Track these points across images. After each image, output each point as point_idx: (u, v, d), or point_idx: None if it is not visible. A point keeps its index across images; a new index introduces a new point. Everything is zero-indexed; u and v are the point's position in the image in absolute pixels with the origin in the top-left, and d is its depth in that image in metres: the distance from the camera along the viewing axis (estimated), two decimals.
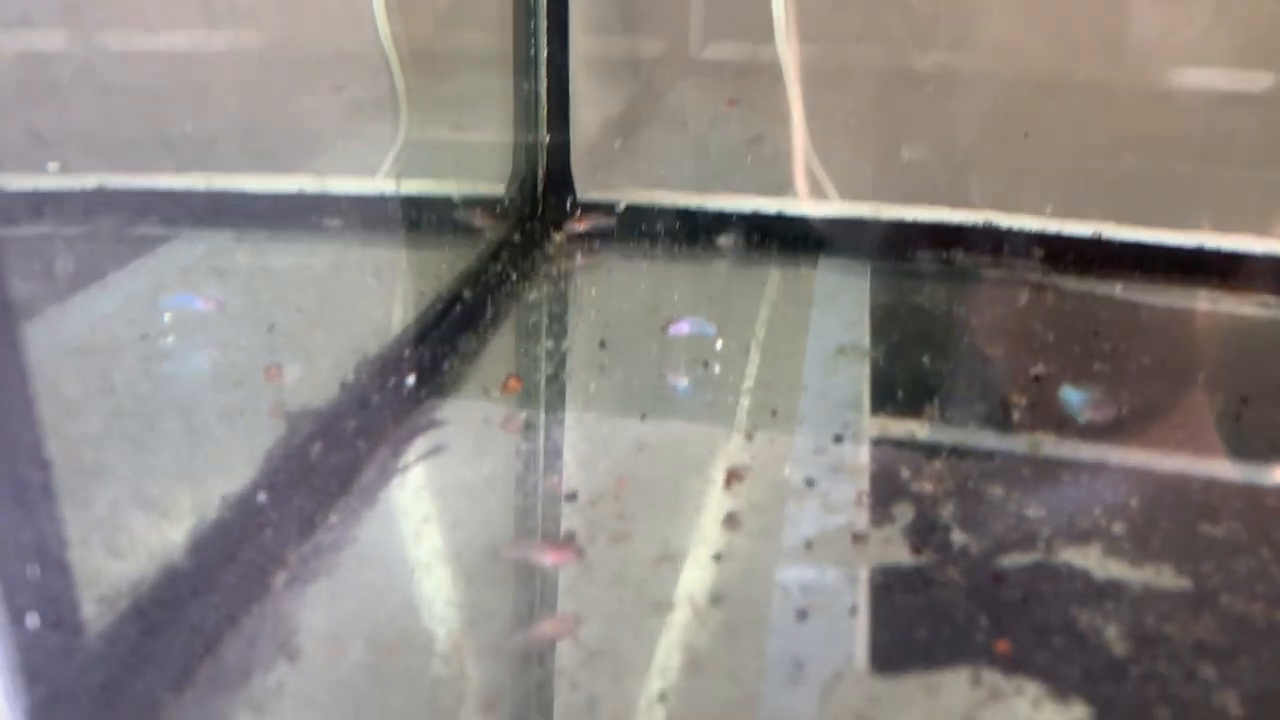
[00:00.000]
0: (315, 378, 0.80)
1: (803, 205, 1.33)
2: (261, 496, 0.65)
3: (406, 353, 0.85)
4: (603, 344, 1.00)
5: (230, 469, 0.68)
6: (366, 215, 1.16)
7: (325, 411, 0.74)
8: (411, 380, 0.83)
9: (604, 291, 1.13)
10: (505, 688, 0.59)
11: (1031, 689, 0.61)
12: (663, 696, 0.59)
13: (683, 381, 0.94)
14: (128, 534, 0.63)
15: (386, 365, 0.82)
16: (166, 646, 0.58)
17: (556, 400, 0.90)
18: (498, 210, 1.20)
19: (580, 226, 1.25)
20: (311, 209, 1.17)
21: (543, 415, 0.87)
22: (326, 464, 0.71)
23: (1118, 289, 1.21)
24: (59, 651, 0.50)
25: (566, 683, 0.60)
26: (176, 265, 1.07)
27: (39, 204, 1.15)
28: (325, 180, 1.19)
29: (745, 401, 0.91)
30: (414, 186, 1.20)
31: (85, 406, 0.75)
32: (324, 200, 1.18)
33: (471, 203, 1.19)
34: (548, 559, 0.70)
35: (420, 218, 1.15)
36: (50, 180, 1.14)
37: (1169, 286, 1.23)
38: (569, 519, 0.74)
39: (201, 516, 0.63)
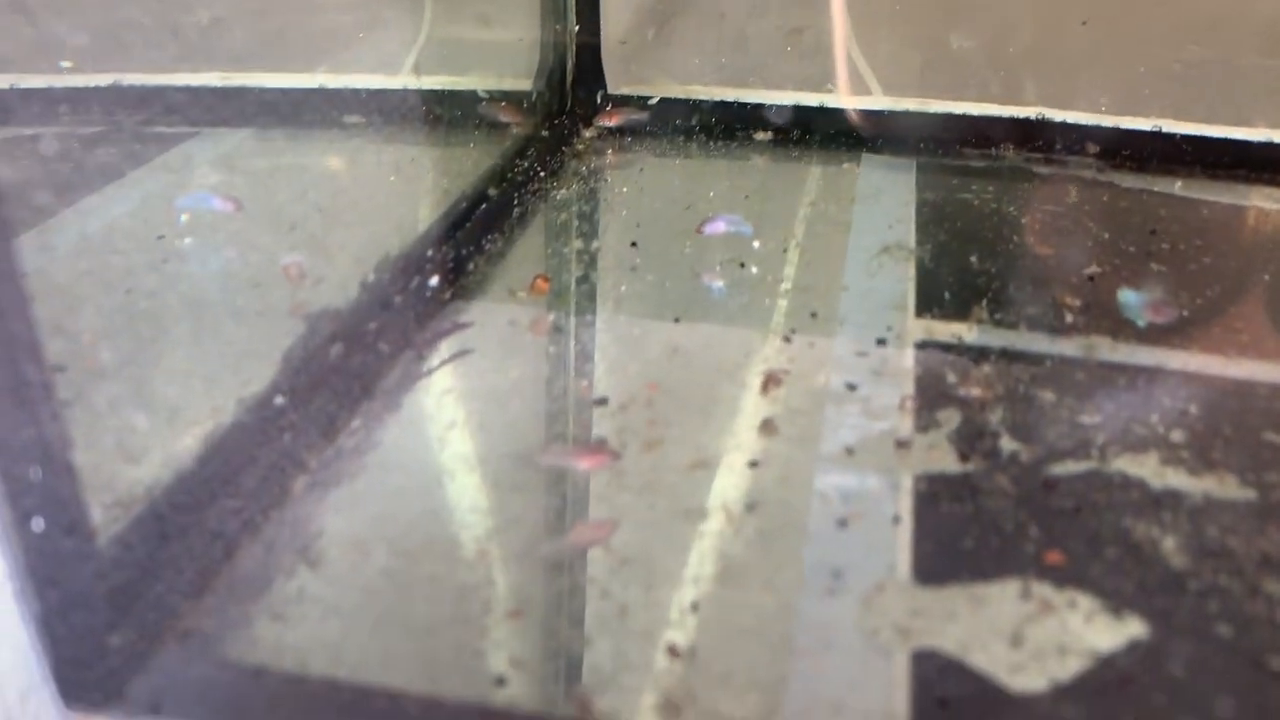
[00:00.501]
0: (336, 277, 0.77)
1: (845, 99, 1.26)
2: (280, 399, 0.63)
3: (430, 252, 0.82)
4: (634, 244, 0.96)
5: (248, 371, 0.66)
6: (389, 112, 1.12)
7: (346, 312, 0.71)
8: (435, 281, 0.80)
9: (635, 189, 1.09)
10: (533, 596, 0.57)
11: (1084, 602, 0.58)
12: (695, 606, 0.56)
13: (718, 282, 0.90)
14: (142, 437, 0.61)
15: (409, 265, 0.79)
16: (183, 552, 0.56)
17: (586, 302, 0.86)
18: (524, 105, 1.15)
19: (611, 121, 1.20)
20: (332, 106, 1.13)
21: (572, 318, 0.84)
22: (347, 366, 0.69)
23: (1177, 186, 1.15)
24: (70, 557, 0.48)
25: (597, 591, 0.58)
26: (194, 164, 1.04)
27: (53, 102, 1.11)
28: (346, 76, 1.15)
29: (783, 303, 0.87)
30: (437, 81, 1.15)
31: (98, 308, 0.73)
32: (345, 96, 1.13)
33: (497, 98, 1.13)
34: (583, 464, 0.67)
35: (444, 114, 1.10)
36: (64, 79, 1.10)
37: (1232, 184, 1.17)
38: (599, 425, 0.71)
39: (218, 419, 0.61)
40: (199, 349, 0.66)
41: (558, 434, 0.70)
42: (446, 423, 0.69)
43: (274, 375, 0.64)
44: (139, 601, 0.54)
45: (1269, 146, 1.17)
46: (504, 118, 1.13)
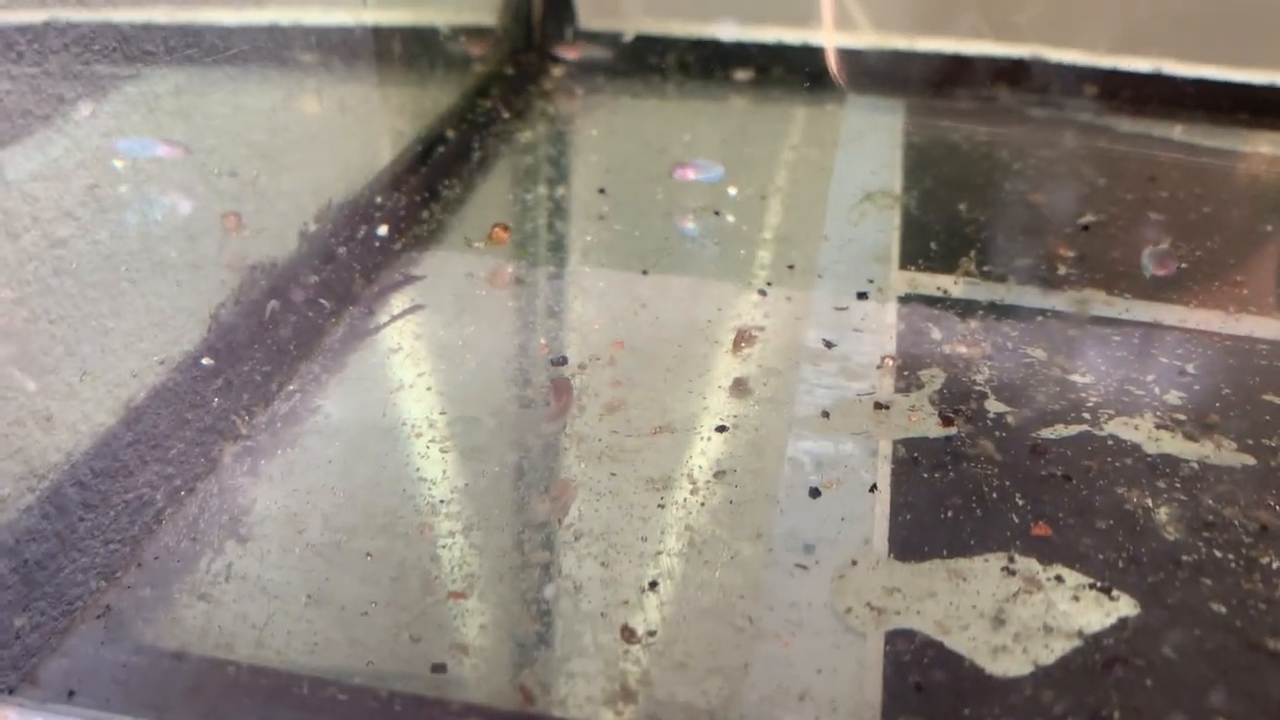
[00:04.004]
0: (276, 227, 0.72)
1: (831, 36, 1.20)
2: (208, 360, 0.58)
3: (379, 199, 0.76)
4: (602, 190, 0.90)
5: (176, 329, 0.61)
6: (343, 50, 1.05)
7: (283, 265, 0.66)
8: (384, 230, 0.74)
9: (606, 131, 1.03)
10: (479, 574, 0.53)
11: (1071, 578, 0.54)
12: (654, 584, 0.52)
13: (690, 232, 0.85)
14: (59, 401, 0.56)
15: (356, 213, 0.73)
16: (102, 525, 0.52)
17: (549, 253, 0.81)
18: (487, 41, 1.08)
19: (569, 55, 1.13)
20: (285, 43, 1.06)
21: (533, 269, 0.79)
22: (284, 323, 0.64)
23: (1177, 131, 1.10)
24: None
25: (548, 568, 0.53)
26: (134, 107, 0.97)
27: None
28: (299, 11, 1.07)
29: (759, 254, 0.82)
30: (393, 16, 1.08)
31: (15, 262, 0.68)
32: (298, 33, 1.06)
33: (457, 32, 1.07)
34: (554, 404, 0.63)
35: (401, 52, 1.03)
36: None
37: (1234, 128, 1.11)
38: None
39: (142, 381, 0.56)
40: (125, 306, 0.61)
41: (513, 396, 0.65)
42: (393, 385, 0.65)
43: (203, 334, 0.59)
44: (53, 578, 0.50)
45: (1272, 90, 1.12)
46: (464, 53, 1.07)
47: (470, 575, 0.53)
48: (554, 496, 0.57)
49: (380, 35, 1.03)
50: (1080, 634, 0.51)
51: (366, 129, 0.84)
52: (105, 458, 0.54)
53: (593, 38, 1.17)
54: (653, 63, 1.18)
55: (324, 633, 0.49)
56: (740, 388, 0.67)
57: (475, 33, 1.06)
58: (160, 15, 1.15)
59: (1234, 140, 1.08)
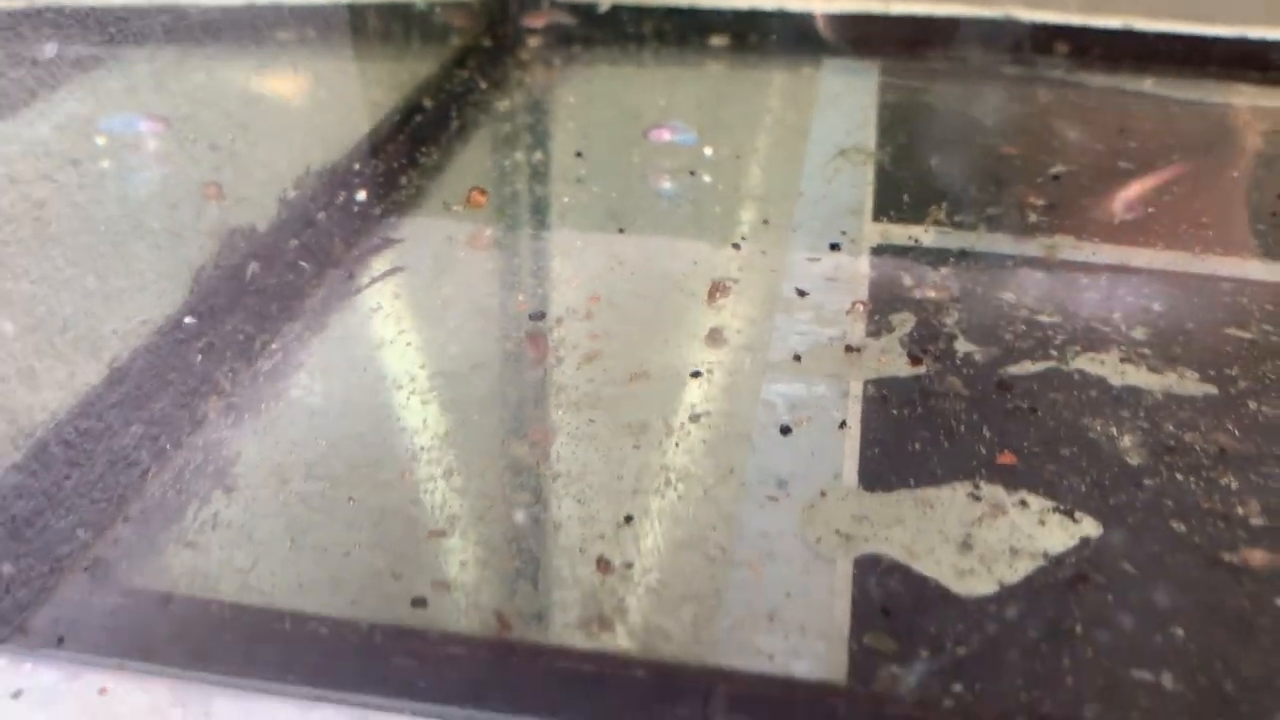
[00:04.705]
0: (257, 196, 0.73)
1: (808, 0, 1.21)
2: (190, 319, 0.59)
3: (358, 166, 0.77)
4: (579, 154, 0.92)
5: (160, 291, 0.62)
6: (320, 25, 1.06)
7: (263, 229, 0.67)
8: (363, 195, 0.75)
9: (584, 99, 1.04)
10: (459, 514, 0.54)
11: (1036, 503, 0.55)
12: (629, 519, 0.54)
13: (667, 192, 0.86)
14: (46, 361, 0.58)
15: (334, 180, 0.75)
16: (90, 480, 0.53)
17: (527, 215, 0.83)
18: (464, 13, 1.09)
19: (537, 23, 1.14)
20: (263, 21, 1.07)
21: (511, 231, 0.80)
22: (265, 285, 0.65)
23: (1148, 84, 1.11)
24: None
25: (527, 507, 0.55)
26: (116, 86, 0.98)
27: None
28: None
29: (736, 211, 0.84)
30: None
31: (4, 237, 0.69)
32: (275, 11, 1.07)
33: (433, 5, 1.08)
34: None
35: (377, 24, 1.04)
36: None
37: (1203, 80, 1.12)
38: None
39: (127, 342, 0.58)
40: (110, 271, 0.62)
41: (492, 349, 0.66)
42: (375, 342, 0.66)
43: (185, 296, 0.61)
44: (43, 532, 0.51)
45: (1241, 43, 1.13)
46: (443, 26, 1.08)
47: (451, 516, 0.54)
48: (533, 440, 0.59)
49: (356, 11, 1.04)
50: (1045, 555, 0.53)
51: (344, 100, 0.86)
52: (90, 416, 0.55)
53: (566, 7, 1.18)
54: (630, 31, 1.19)
55: (307, 574, 0.51)
56: (715, 337, 0.69)
57: (452, 6, 1.07)
58: None
59: (1204, 91, 1.10)
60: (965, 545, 0.53)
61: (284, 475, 0.56)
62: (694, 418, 0.61)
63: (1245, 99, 1.10)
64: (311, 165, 0.73)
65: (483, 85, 1.01)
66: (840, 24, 1.18)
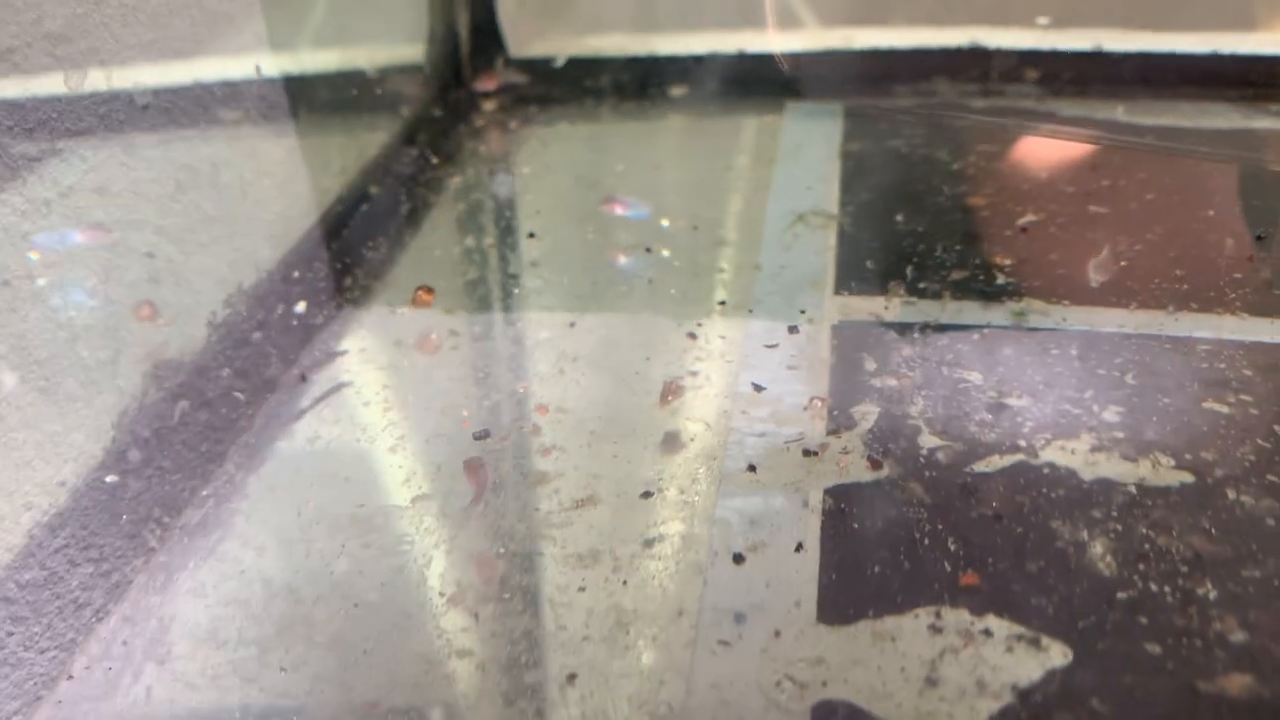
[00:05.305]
0: (190, 314, 0.71)
1: (767, 40, 1.18)
2: (111, 477, 0.57)
3: (296, 274, 0.75)
4: (532, 235, 0.89)
5: (78, 444, 0.60)
6: (265, 102, 1.03)
7: (192, 360, 0.64)
8: (301, 308, 0.73)
9: (540, 168, 1.01)
10: (397, 681, 0.52)
11: (1002, 630, 0.53)
12: (572, 677, 0.51)
13: (620, 274, 0.83)
14: None
15: (271, 292, 0.72)
16: (2, 670, 0.51)
17: (477, 311, 0.80)
18: (415, 80, 1.06)
19: (488, 85, 1.11)
20: (209, 100, 1.05)
21: (459, 332, 0.77)
22: (195, 424, 0.63)
23: (1119, 111, 1.08)
24: None
25: (463, 667, 0.52)
26: (54, 189, 0.96)
27: None
28: (217, 64, 1.06)
29: (691, 291, 0.81)
30: (309, 62, 1.06)
31: None
32: (223, 88, 1.05)
33: (384, 74, 1.05)
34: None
35: (326, 95, 1.01)
36: None
37: (1176, 103, 1.09)
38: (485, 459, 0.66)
39: (40, 507, 0.55)
40: (25, 419, 0.60)
41: (431, 482, 0.64)
42: (311, 479, 0.64)
43: (106, 447, 0.58)
44: None
45: (1216, 59, 1.10)
46: (392, 96, 1.05)
47: (387, 683, 0.52)
48: (470, 591, 0.56)
49: (305, 82, 1.01)
50: (1013, 689, 0.50)
51: (287, 191, 0.83)
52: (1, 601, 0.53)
53: (520, 65, 1.15)
54: (588, 85, 1.16)
55: None
56: (669, 444, 0.66)
57: (402, 72, 1.04)
58: (78, 85, 1.12)
59: (1174, 115, 1.06)
60: (929, 683, 0.51)
61: (219, 640, 0.54)
62: (646, 544, 0.59)
63: (1222, 122, 1.07)
64: (243, 281, 0.71)
65: (434, 160, 0.99)
66: (799, 64, 1.15)
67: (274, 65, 0.98)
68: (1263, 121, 1.05)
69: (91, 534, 0.56)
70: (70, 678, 0.53)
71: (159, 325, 0.71)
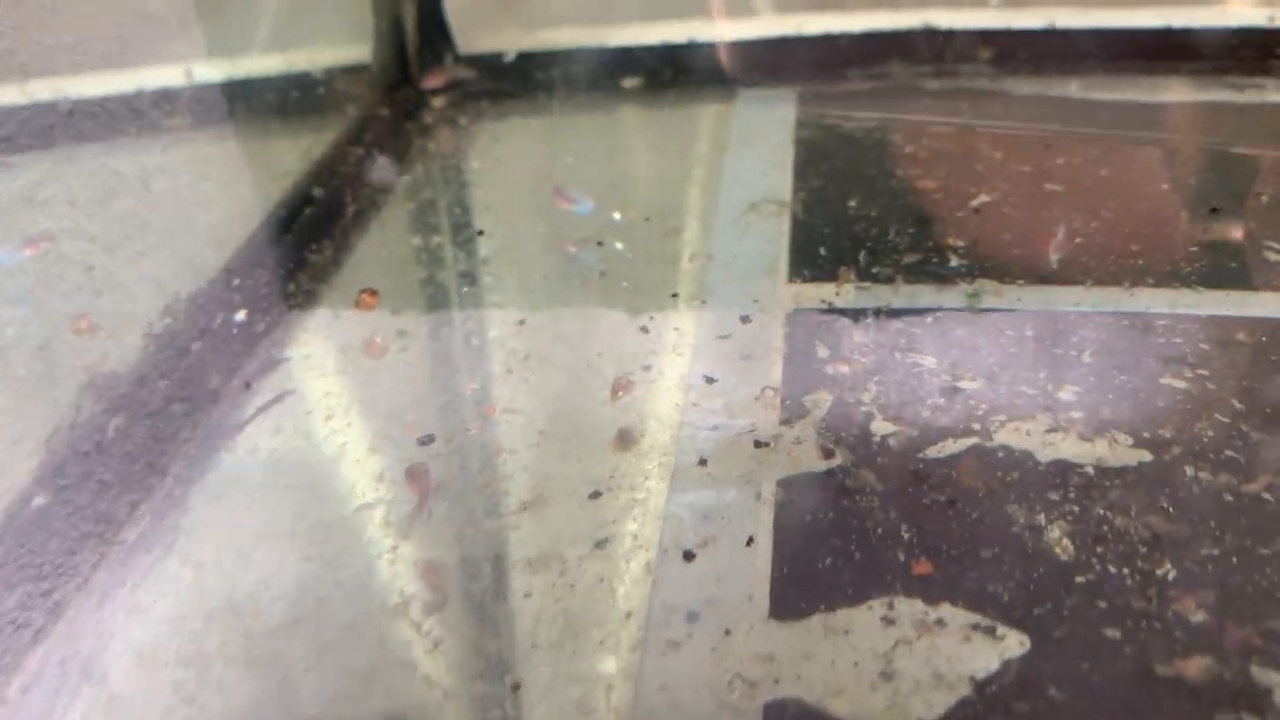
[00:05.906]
0: (127, 325, 0.69)
1: (717, 29, 1.16)
2: (40, 499, 0.55)
3: (237, 281, 0.73)
4: (481, 233, 0.87)
5: (13, 461, 0.58)
6: (209, 106, 1.01)
7: (129, 372, 0.62)
8: (242, 315, 0.71)
9: (490, 163, 1.00)
10: (342, 697, 0.50)
11: (957, 619, 0.52)
12: (516, 687, 0.50)
13: (573, 269, 0.82)
14: None
15: (211, 301, 0.70)
16: None
17: (425, 311, 0.78)
18: (361, 80, 1.04)
19: (435, 83, 1.09)
20: (141, 106, 1.02)
21: (406, 334, 0.76)
22: (133, 438, 0.61)
23: (1073, 88, 1.07)
24: None
25: (407, 680, 0.51)
26: None
27: None
28: (160, 72, 1.03)
29: (643, 284, 0.79)
30: (248, 65, 1.04)
31: None
32: (164, 93, 1.02)
33: (330, 75, 1.03)
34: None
35: (272, 98, 0.99)
36: None
37: (1130, 77, 1.09)
38: (429, 465, 0.64)
39: None
40: None
41: (373, 491, 0.62)
42: (251, 492, 0.62)
43: (35, 468, 0.56)
44: None
45: (1167, 33, 1.09)
46: (338, 95, 1.03)
47: (330, 699, 0.50)
48: (414, 602, 0.55)
49: (250, 86, 0.98)
50: (970, 680, 0.49)
51: (230, 195, 0.81)
52: None
53: (473, 62, 1.13)
54: (539, 79, 1.14)
55: None
56: (621, 440, 0.65)
57: (348, 72, 1.02)
58: (16, 97, 1.10)
59: (1130, 90, 1.06)
60: (884, 676, 0.49)
61: (158, 659, 0.52)
62: (598, 544, 0.57)
63: (1172, 94, 1.07)
64: (182, 290, 0.69)
65: (382, 160, 0.97)
66: (752, 52, 1.14)
67: (210, 69, 0.96)
68: (1217, 94, 1.04)
69: (29, 552, 0.54)
70: (4, 702, 0.51)
71: (99, 338, 0.69)
